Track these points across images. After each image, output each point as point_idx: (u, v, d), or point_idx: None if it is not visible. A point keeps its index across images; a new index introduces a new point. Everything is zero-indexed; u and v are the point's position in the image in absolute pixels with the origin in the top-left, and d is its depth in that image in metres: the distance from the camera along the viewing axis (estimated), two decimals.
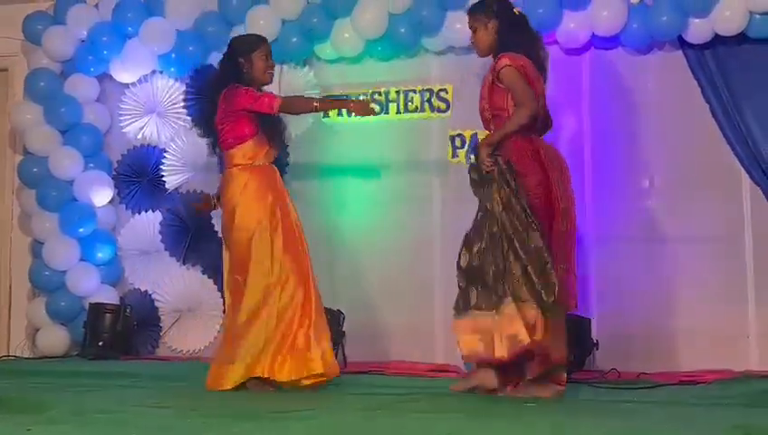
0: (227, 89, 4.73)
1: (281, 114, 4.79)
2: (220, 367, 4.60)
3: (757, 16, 5.16)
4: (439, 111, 5.94)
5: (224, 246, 4.82)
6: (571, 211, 4.38)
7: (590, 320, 5.40)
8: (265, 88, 4.86)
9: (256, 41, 4.88)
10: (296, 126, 6.22)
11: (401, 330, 5.84)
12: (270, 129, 4.76)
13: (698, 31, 5.28)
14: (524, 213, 4.23)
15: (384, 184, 5.99)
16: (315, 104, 4.78)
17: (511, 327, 4.17)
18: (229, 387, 4.51)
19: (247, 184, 4.68)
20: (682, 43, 5.40)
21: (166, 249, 6.46)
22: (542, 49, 4.58)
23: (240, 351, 4.54)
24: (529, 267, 4.17)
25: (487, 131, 4.50)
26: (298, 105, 4.88)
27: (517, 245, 4.20)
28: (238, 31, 6.05)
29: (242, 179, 4.69)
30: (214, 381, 4.59)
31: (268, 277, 4.60)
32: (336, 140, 6.17)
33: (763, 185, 5.30)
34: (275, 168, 4.83)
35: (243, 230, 4.65)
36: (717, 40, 5.32)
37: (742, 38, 5.27)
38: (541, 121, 4.50)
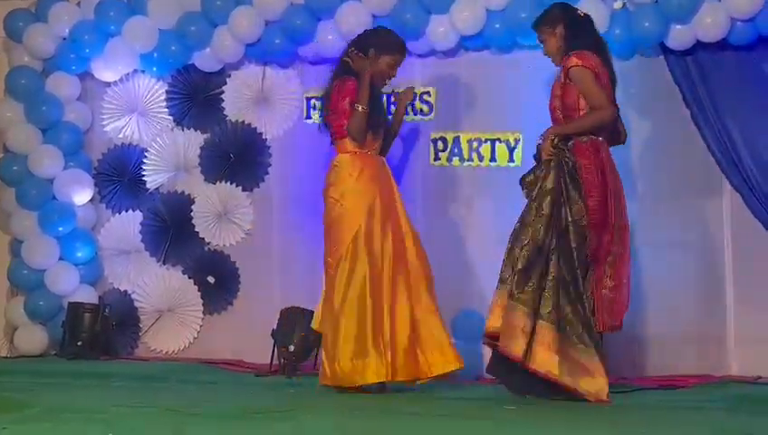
0: (341, 80, 4.70)
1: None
2: (351, 361, 4.49)
3: (739, 23, 5.18)
4: (422, 113, 5.94)
5: (326, 233, 4.72)
6: (625, 229, 4.42)
7: None
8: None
9: (397, 47, 4.80)
10: (278, 126, 6.22)
11: None
12: (373, 120, 4.72)
13: (680, 37, 5.30)
14: (574, 228, 4.27)
15: None
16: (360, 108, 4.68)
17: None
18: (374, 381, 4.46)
19: (362, 170, 4.68)
20: (664, 49, 5.43)
21: (146, 249, 6.43)
22: (609, 52, 4.64)
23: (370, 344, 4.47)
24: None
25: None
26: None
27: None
28: (221, 31, 6.05)
29: (355, 166, 4.69)
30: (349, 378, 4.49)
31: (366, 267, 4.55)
32: (319, 141, 6.15)
33: (743, 190, 5.33)
34: (382, 158, 4.84)
35: (353, 217, 4.62)
36: (699, 46, 5.34)
37: (723, 44, 5.30)
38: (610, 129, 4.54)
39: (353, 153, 4.72)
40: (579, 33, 4.52)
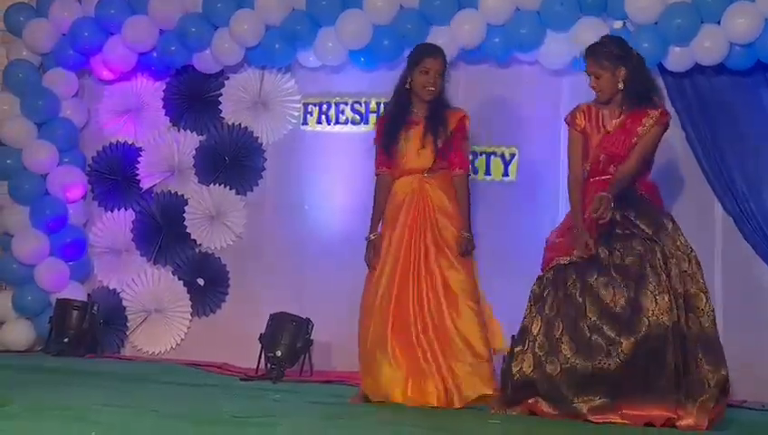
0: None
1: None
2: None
3: (737, 48, 5.20)
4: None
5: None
6: None
7: None
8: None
9: (422, 52, 4.70)
10: (274, 131, 6.22)
11: None
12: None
13: (679, 59, 5.32)
14: None
15: (359, 193, 5.98)
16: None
17: None
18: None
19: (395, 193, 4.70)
20: (662, 71, 5.44)
21: (137, 249, 6.43)
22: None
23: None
24: None
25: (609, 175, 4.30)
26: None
27: None
28: (221, 34, 6.05)
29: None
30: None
31: None
32: (314, 148, 6.17)
33: (735, 215, 5.34)
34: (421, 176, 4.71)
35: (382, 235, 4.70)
36: (697, 69, 5.36)
37: (721, 68, 5.32)
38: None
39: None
40: (642, 78, 4.35)
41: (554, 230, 4.49)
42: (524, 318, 4.35)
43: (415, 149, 4.60)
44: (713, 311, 4.16)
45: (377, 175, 4.75)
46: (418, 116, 4.65)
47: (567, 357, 4.12)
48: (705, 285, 4.21)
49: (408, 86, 4.64)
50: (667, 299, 4.06)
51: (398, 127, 4.65)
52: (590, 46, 4.44)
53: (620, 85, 4.30)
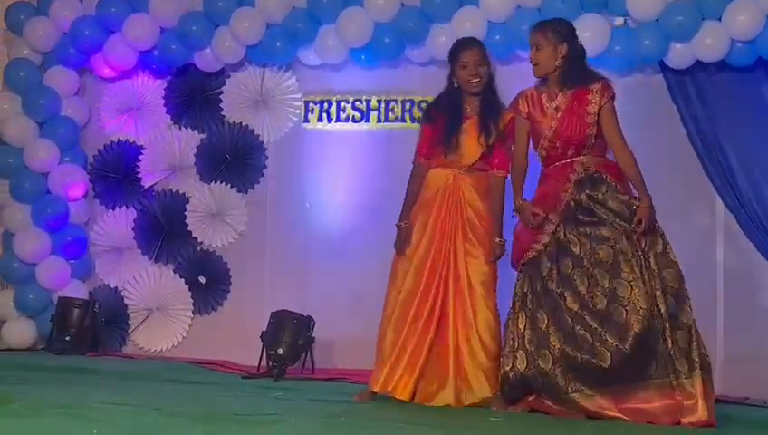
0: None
1: None
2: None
3: (738, 44, 5.20)
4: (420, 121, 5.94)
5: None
6: None
7: None
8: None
9: (457, 47, 4.64)
10: (275, 129, 6.22)
11: (372, 338, 5.82)
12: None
13: (680, 56, 5.32)
14: None
15: (361, 191, 6.00)
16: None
17: None
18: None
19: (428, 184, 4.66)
20: (663, 68, 5.44)
21: (138, 247, 6.43)
22: None
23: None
24: None
25: (583, 156, 4.31)
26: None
27: None
28: (222, 32, 6.05)
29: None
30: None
31: None
32: (315, 145, 6.17)
33: (737, 211, 5.34)
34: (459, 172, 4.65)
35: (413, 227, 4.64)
36: (698, 66, 5.36)
37: (722, 65, 5.31)
38: None
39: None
40: (580, 63, 4.39)
41: (517, 222, 4.50)
42: (509, 317, 4.37)
43: (464, 145, 4.54)
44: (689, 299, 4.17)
45: (415, 163, 4.68)
46: (469, 112, 4.59)
47: (556, 347, 4.14)
48: (678, 266, 4.20)
49: (456, 84, 4.60)
50: (642, 285, 4.07)
51: (452, 123, 4.57)
52: (539, 21, 4.52)
53: (558, 62, 4.33)
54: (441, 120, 4.60)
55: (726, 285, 5.39)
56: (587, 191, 4.25)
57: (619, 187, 4.27)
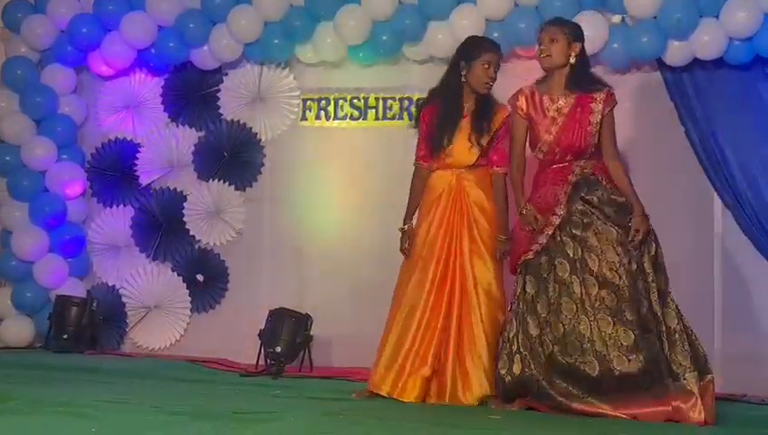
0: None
1: None
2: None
3: (736, 42, 5.20)
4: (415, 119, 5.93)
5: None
6: None
7: None
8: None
9: (483, 47, 4.63)
10: (273, 127, 6.21)
11: (370, 336, 5.82)
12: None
13: (678, 54, 5.32)
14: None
15: (359, 189, 5.99)
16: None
17: None
18: None
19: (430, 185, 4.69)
20: (661, 65, 5.44)
21: (136, 245, 6.42)
22: None
23: None
24: None
25: (581, 159, 4.32)
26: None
27: None
28: (220, 30, 6.04)
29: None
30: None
31: None
32: (313, 143, 6.17)
33: (734, 208, 5.34)
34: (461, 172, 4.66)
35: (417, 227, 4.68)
36: (696, 63, 5.36)
37: (720, 63, 5.31)
38: None
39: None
40: (588, 67, 4.42)
41: (516, 221, 4.50)
42: (506, 318, 4.38)
43: (461, 145, 4.55)
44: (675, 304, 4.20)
45: (416, 165, 4.70)
46: (465, 110, 4.60)
47: (548, 352, 4.16)
48: (666, 270, 4.25)
49: (462, 79, 4.58)
50: (629, 294, 4.10)
51: (449, 121, 4.57)
52: (555, 17, 4.53)
53: (572, 59, 4.32)
54: (437, 118, 4.59)
55: (724, 283, 5.39)
56: (583, 194, 4.26)
57: (615, 189, 4.29)
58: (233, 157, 6.24)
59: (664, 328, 4.10)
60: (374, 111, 6.04)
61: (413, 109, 5.90)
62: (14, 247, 6.32)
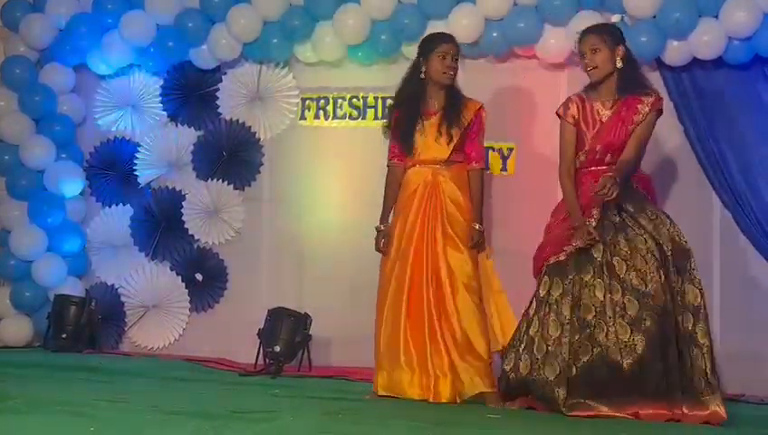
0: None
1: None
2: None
3: (735, 42, 5.20)
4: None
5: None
6: None
7: None
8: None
9: (435, 39, 4.68)
10: (272, 126, 6.21)
11: (369, 335, 5.82)
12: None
13: (677, 53, 5.32)
14: None
15: (357, 188, 5.99)
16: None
17: None
18: None
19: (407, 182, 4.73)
20: (660, 65, 5.44)
21: (135, 244, 6.42)
22: None
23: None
24: None
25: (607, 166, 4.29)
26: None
27: None
28: (219, 29, 6.05)
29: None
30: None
31: None
32: (312, 143, 6.16)
33: (733, 208, 5.34)
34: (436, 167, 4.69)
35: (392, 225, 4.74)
36: (695, 63, 5.36)
37: (719, 62, 5.32)
38: None
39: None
40: (637, 67, 4.38)
41: (549, 223, 4.48)
42: (522, 318, 4.35)
43: (431, 140, 4.58)
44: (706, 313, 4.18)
45: (389, 165, 4.74)
46: (435, 106, 4.63)
47: (564, 358, 4.12)
48: (700, 282, 4.19)
49: (422, 76, 4.61)
50: (651, 302, 4.07)
51: (414, 118, 4.61)
52: (589, 26, 4.46)
53: (619, 63, 4.28)
54: (404, 116, 4.63)
55: (723, 283, 5.39)
56: (620, 202, 4.22)
57: (649, 200, 4.31)
58: (232, 156, 6.24)
59: (690, 345, 4.07)
60: (373, 110, 6.04)
61: None
62: (13, 247, 6.32)
